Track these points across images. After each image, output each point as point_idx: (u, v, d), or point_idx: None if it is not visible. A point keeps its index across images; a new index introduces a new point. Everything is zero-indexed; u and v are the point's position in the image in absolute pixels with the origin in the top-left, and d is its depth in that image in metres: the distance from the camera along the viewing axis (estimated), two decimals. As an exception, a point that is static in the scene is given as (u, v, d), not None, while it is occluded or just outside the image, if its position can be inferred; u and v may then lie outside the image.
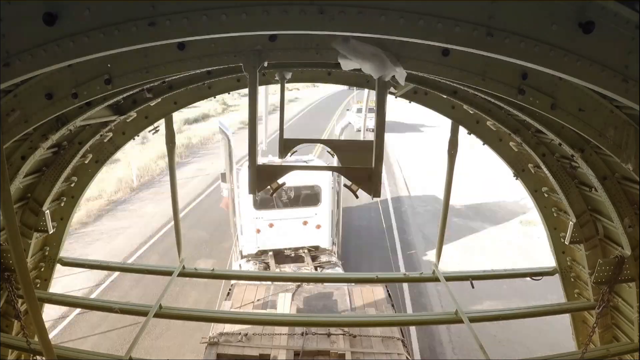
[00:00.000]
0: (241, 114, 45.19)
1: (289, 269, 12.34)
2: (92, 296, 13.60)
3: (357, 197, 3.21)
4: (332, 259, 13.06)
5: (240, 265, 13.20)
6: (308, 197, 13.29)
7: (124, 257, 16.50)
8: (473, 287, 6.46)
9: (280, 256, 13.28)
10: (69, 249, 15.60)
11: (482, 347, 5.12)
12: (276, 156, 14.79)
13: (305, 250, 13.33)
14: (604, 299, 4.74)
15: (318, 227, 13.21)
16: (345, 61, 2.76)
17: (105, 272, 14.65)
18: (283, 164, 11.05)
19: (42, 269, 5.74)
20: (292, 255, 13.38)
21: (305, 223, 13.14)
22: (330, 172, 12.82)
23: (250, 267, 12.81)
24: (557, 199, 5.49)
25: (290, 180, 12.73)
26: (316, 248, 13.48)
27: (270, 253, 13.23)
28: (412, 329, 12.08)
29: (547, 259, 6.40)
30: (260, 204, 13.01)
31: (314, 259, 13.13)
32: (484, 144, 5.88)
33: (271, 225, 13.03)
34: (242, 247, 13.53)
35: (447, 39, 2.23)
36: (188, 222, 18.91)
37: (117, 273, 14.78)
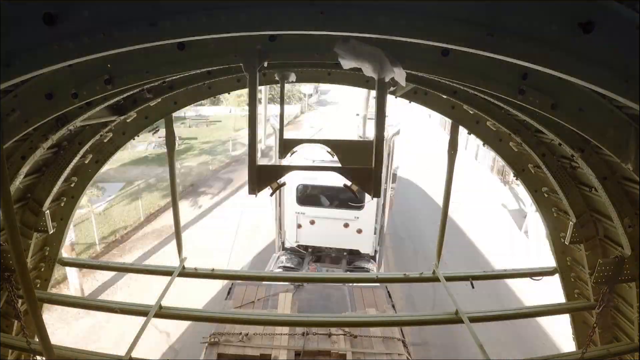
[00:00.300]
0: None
1: (311, 268, 12.36)
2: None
3: (356, 197, 3.21)
4: (368, 266, 12.89)
5: (278, 256, 13.24)
6: (352, 200, 13.12)
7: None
8: (473, 287, 6.47)
9: (320, 254, 13.26)
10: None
11: (482, 347, 5.12)
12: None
13: (345, 253, 13.22)
14: (604, 299, 4.74)
15: (359, 231, 13.04)
16: (345, 61, 2.75)
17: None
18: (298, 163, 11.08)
19: (42, 269, 5.75)
20: (333, 255, 13.32)
21: (346, 225, 13.00)
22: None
23: (284, 260, 12.87)
24: (557, 199, 5.49)
25: (334, 180, 12.77)
26: (357, 252, 13.35)
27: (310, 250, 13.21)
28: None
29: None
30: (303, 200, 12.98)
31: (350, 262, 13.01)
32: (484, 144, 5.88)
33: (312, 222, 13.00)
34: (284, 239, 13.59)
35: (447, 39, 2.23)
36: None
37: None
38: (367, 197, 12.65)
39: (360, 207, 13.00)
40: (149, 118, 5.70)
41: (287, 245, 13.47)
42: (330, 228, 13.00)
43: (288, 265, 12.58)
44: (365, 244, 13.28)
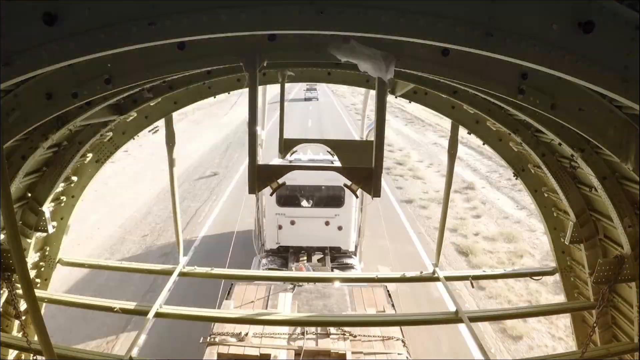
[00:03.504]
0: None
1: (301, 268, 12.33)
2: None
3: (357, 196, 3.21)
4: (351, 262, 12.97)
5: (259, 260, 13.22)
6: (331, 198, 13.21)
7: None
8: (473, 286, 6.49)
9: (301, 254, 13.28)
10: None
11: (482, 347, 5.12)
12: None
13: (326, 251, 13.27)
14: (604, 298, 4.74)
15: (340, 228, 13.10)
16: (343, 58, 2.75)
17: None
18: (291, 163, 11.06)
19: (42, 269, 5.75)
20: (314, 254, 13.36)
21: (327, 223, 13.05)
22: None
23: (267, 262, 12.84)
24: (557, 198, 5.49)
25: (314, 179, 12.77)
26: (338, 249, 13.42)
27: (291, 250, 13.22)
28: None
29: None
30: (283, 201, 12.98)
31: (334, 259, 13.05)
32: (484, 144, 5.88)
33: (293, 223, 12.98)
34: (264, 242, 13.59)
35: (447, 39, 2.23)
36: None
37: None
38: (347, 194, 12.73)
39: (340, 205, 13.05)
40: (149, 118, 5.70)
41: (268, 247, 13.46)
42: (310, 227, 13.03)
43: (272, 267, 12.55)
44: (346, 241, 13.38)
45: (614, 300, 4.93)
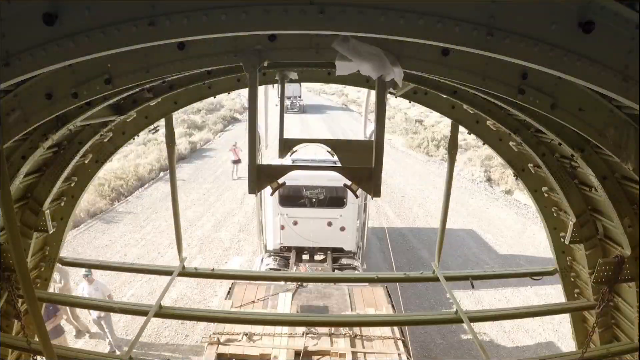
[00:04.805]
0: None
1: (303, 268, 12.35)
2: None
3: (356, 196, 3.22)
4: (353, 263, 13.01)
5: (262, 259, 13.26)
6: (334, 199, 13.23)
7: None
8: (473, 286, 6.49)
9: (303, 254, 13.30)
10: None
11: (482, 347, 5.12)
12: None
13: (329, 251, 13.29)
14: (604, 298, 4.73)
15: (342, 229, 13.12)
16: (341, 65, 2.76)
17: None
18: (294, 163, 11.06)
19: (42, 269, 5.74)
20: (316, 254, 13.38)
21: (329, 224, 13.08)
22: None
23: (270, 262, 12.85)
24: (557, 198, 5.49)
25: (317, 180, 12.79)
26: (340, 250, 13.46)
27: (293, 251, 13.24)
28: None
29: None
30: (285, 201, 12.99)
31: (336, 260, 13.09)
32: (484, 144, 5.88)
33: (295, 223, 13.00)
34: (266, 242, 13.64)
35: (447, 39, 2.22)
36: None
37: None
38: (350, 195, 12.73)
39: (342, 205, 13.06)
40: (149, 118, 5.70)
41: (270, 247, 13.50)
42: (313, 227, 13.04)
43: (274, 267, 12.59)
44: (349, 241, 13.40)
45: (614, 300, 4.93)
